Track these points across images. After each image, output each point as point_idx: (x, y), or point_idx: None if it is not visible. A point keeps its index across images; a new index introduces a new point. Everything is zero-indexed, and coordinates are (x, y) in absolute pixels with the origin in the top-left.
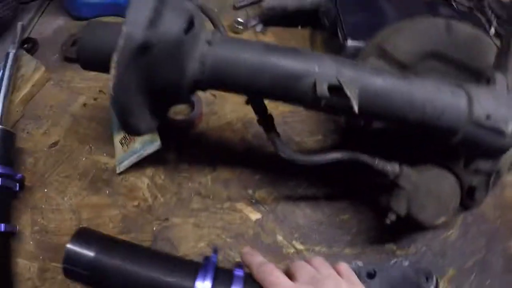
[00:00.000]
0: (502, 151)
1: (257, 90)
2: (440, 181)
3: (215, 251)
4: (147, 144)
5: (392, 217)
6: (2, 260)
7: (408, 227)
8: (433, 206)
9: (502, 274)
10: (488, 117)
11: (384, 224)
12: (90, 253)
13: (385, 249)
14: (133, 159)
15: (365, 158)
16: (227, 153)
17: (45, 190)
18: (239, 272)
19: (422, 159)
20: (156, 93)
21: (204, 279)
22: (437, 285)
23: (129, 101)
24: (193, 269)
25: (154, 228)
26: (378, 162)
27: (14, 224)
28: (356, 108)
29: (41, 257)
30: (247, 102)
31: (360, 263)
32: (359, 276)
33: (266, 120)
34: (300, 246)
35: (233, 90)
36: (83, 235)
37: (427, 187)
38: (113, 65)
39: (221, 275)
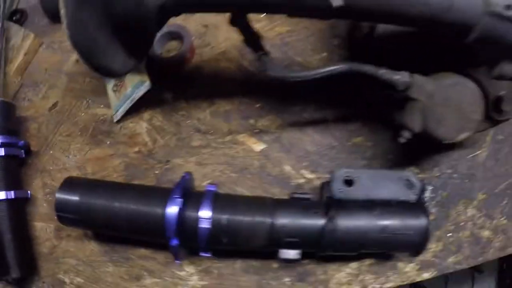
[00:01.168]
0: None
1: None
2: (459, 89)
3: (186, 176)
4: (137, 86)
5: (406, 134)
6: (19, 225)
7: (430, 148)
8: (452, 118)
9: None
10: (508, 7)
11: (403, 146)
12: (75, 198)
13: None
14: (127, 104)
15: (368, 68)
16: (224, 84)
17: (51, 152)
18: (210, 188)
19: (437, 68)
20: (121, 27)
21: (173, 202)
22: (423, 191)
23: (91, 39)
24: (166, 194)
25: (157, 172)
26: (384, 72)
27: (26, 190)
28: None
29: (55, 217)
30: (231, 22)
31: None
32: (338, 183)
33: (252, 38)
34: (310, 175)
35: (207, 6)
36: (69, 184)
37: (444, 96)
38: (61, 4)
39: (193, 195)
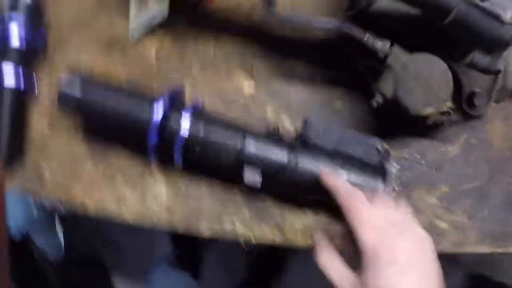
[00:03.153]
0: (499, 43)
1: None
2: (430, 66)
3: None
4: (156, 12)
5: (378, 98)
6: (19, 115)
7: (403, 130)
8: (421, 91)
9: (502, 209)
10: None
11: (377, 120)
12: (75, 93)
13: None
14: (143, 27)
15: (355, 31)
16: (232, 29)
17: (66, 53)
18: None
19: (421, 48)
20: None
21: (160, 103)
22: (387, 159)
23: None
24: (155, 100)
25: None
26: (369, 38)
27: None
28: None
29: (52, 112)
30: None
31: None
32: (310, 130)
33: None
34: (287, 123)
35: None
36: (72, 80)
37: (416, 69)
38: None
39: (180, 105)
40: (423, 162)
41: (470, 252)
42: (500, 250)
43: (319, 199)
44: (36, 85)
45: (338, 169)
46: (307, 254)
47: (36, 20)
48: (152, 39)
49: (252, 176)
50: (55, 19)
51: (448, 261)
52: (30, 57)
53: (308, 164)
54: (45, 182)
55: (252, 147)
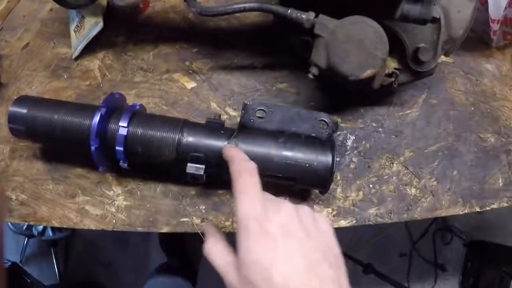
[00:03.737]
0: None
1: None
2: (360, 26)
3: (115, 94)
4: (93, 26)
5: (313, 70)
6: None
7: (355, 100)
8: (355, 55)
9: (473, 166)
10: None
11: (326, 94)
12: (23, 110)
13: None
14: (83, 43)
15: (277, 8)
16: (168, 32)
17: (17, 84)
18: (135, 105)
19: (349, 13)
20: None
21: (98, 111)
22: (335, 131)
23: None
24: (96, 109)
25: (101, 102)
26: (292, 11)
27: None
28: None
29: (12, 140)
30: None
31: (250, 103)
32: (250, 114)
33: None
34: (233, 113)
35: None
36: (21, 100)
37: (346, 33)
38: None
39: (118, 110)
40: (380, 129)
41: (445, 216)
42: (478, 209)
43: (268, 180)
44: None
45: (281, 148)
46: None
47: None
48: (95, 57)
49: (194, 167)
50: (9, 61)
51: (440, 230)
52: None
53: (249, 146)
54: (12, 208)
55: (190, 137)
